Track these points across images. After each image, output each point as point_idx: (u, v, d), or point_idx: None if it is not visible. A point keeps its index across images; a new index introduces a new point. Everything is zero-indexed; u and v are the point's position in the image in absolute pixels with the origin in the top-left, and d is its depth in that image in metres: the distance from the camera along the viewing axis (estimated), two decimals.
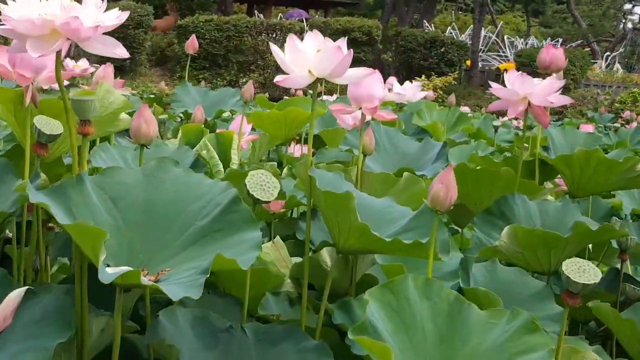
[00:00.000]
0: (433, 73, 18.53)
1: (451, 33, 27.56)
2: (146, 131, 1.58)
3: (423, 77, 17.40)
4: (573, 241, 2.17)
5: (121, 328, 1.48)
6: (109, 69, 2.87)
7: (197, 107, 3.35)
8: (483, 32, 27.43)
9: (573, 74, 20.92)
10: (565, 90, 16.95)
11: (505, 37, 29.51)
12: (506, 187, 2.52)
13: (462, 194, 2.76)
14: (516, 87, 2.31)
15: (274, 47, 1.53)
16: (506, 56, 26.74)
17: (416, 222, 1.65)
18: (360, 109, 1.99)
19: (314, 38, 1.55)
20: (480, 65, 24.93)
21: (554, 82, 2.32)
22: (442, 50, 20.34)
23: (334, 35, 21.02)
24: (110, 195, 1.39)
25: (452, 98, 4.84)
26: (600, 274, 1.37)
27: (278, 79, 1.52)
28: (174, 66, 19.84)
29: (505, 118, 11.44)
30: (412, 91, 3.24)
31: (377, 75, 1.97)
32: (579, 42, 31.11)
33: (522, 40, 29.48)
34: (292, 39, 1.51)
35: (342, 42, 1.52)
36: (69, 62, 4.98)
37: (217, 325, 1.55)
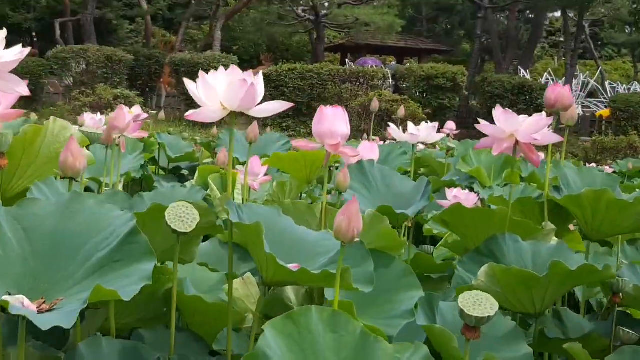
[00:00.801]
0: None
1: (548, 79, 27.16)
2: (72, 164, 1.63)
3: None
4: (554, 281, 2.10)
5: (39, 358, 1.52)
6: (120, 111, 2.96)
7: (221, 149, 3.40)
8: (582, 78, 26.94)
9: None
10: None
11: (607, 82, 28.85)
12: (501, 227, 2.46)
13: (461, 234, 2.74)
14: (502, 124, 2.27)
15: (187, 82, 1.58)
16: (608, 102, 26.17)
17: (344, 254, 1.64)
18: (323, 145, 2.00)
19: (229, 73, 1.58)
20: (581, 111, 24.47)
21: (541, 119, 2.27)
22: (531, 96, 20.06)
23: (417, 81, 21.17)
24: (24, 226, 1.43)
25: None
26: (497, 307, 1.32)
27: (188, 113, 1.56)
28: None
29: (592, 165, 11.17)
30: (426, 132, 3.21)
31: (339, 112, 1.97)
32: None
33: (624, 85, 28.75)
34: (202, 75, 1.55)
35: (248, 74, 1.54)
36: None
37: (145, 356, 1.57)
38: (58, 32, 25.63)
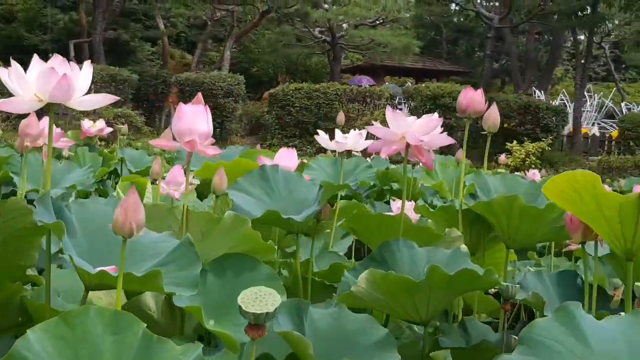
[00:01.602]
0: (526, 138, 18.09)
1: (562, 99, 27.00)
2: None
3: (515, 142, 17.05)
4: (435, 287, 2.01)
5: None
6: (32, 118, 2.91)
7: (156, 160, 3.36)
8: (596, 99, 26.76)
9: None
10: None
11: (623, 103, 28.63)
12: (404, 233, 2.39)
13: (367, 241, 2.68)
14: (392, 125, 2.20)
15: (1, 72, 1.52)
16: None
17: (173, 256, 1.58)
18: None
19: (51, 62, 1.53)
20: (598, 132, 24.27)
21: (431, 120, 2.20)
22: (537, 116, 19.86)
23: (424, 100, 21.07)
24: None
25: (459, 154, 4.68)
26: (278, 303, 1.25)
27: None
28: (265, 134, 20.22)
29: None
30: (353, 140, 3.14)
31: (200, 110, 1.92)
32: None
33: None
34: (14, 64, 1.50)
35: (61, 62, 1.49)
36: (85, 123, 5.16)
37: None
38: (72, 52, 25.88)
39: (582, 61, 23.61)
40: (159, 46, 34.70)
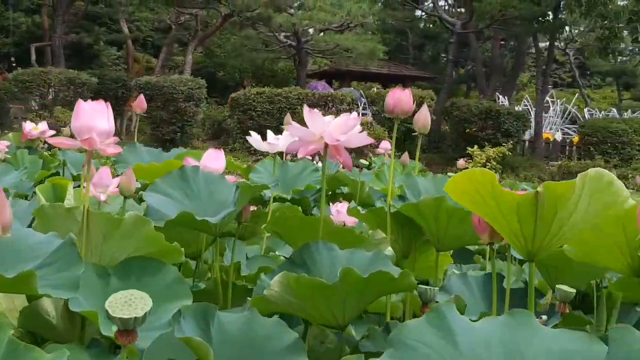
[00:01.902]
0: (487, 143, 18.14)
1: (526, 105, 27.21)
2: None
3: (476, 147, 17.08)
4: (350, 290, 1.95)
5: None
6: None
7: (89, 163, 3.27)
8: (558, 104, 27.02)
9: None
10: None
11: (586, 109, 28.95)
12: (328, 235, 2.33)
13: (292, 243, 2.62)
14: (310, 125, 2.15)
15: None
16: None
17: (55, 256, 1.51)
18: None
19: None
20: (561, 137, 24.47)
21: (349, 119, 2.14)
22: (498, 120, 19.96)
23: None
24: None
25: (404, 157, 4.64)
26: (149, 307, 1.18)
27: None
28: (227, 139, 20.04)
29: None
30: (285, 141, 3.09)
31: (100, 106, 1.85)
32: None
33: (602, 112, 28.77)
34: None
35: None
36: (27, 125, 5.05)
37: None
38: (34, 56, 25.58)
39: (544, 67, 23.79)
40: (125, 50, 34.43)
